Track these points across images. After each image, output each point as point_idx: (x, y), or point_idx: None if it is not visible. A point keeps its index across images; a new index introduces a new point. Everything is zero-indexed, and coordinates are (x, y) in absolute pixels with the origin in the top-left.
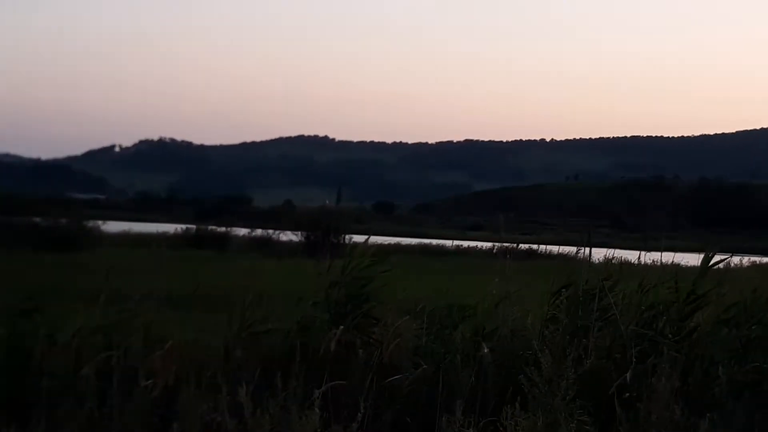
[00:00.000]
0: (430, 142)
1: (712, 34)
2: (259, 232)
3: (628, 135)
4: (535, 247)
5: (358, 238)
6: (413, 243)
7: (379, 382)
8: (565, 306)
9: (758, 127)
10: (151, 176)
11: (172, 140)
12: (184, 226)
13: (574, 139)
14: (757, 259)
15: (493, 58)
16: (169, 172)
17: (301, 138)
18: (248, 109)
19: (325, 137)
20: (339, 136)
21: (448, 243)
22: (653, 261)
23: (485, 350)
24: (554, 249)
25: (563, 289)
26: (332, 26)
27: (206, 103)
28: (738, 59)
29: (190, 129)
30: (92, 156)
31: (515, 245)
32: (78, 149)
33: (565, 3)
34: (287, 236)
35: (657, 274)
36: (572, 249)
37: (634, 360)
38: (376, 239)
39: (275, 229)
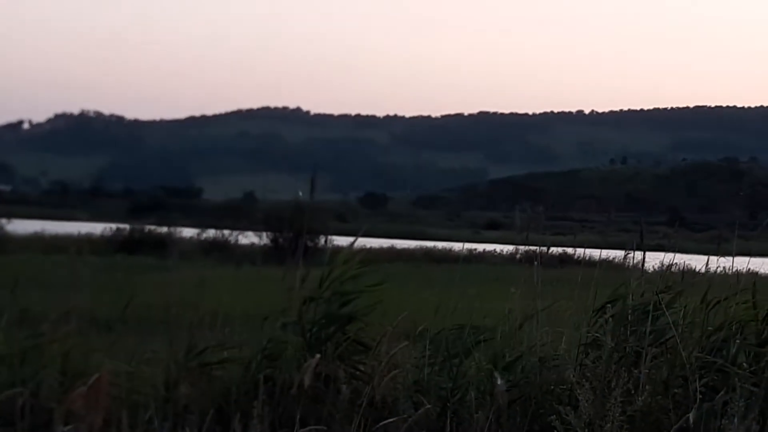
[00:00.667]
0: (433, 115)
1: None
2: (211, 232)
3: (691, 105)
4: (570, 250)
5: (342, 241)
6: (412, 246)
7: (369, 426)
8: (611, 327)
9: None
10: (70, 161)
11: (98, 114)
12: (113, 226)
13: (621, 111)
14: None
15: (515, 9)
16: (94, 156)
17: (265, 111)
18: (197, 75)
19: (297, 110)
20: (315, 108)
21: (458, 246)
22: (724, 269)
23: (498, 382)
24: (595, 253)
25: (608, 305)
26: None
27: (143, 68)
28: None
29: (121, 100)
30: None
31: (545, 248)
32: None
33: None
34: (248, 238)
35: (729, 285)
36: (619, 253)
37: (699, 396)
38: (364, 242)
39: (232, 229)
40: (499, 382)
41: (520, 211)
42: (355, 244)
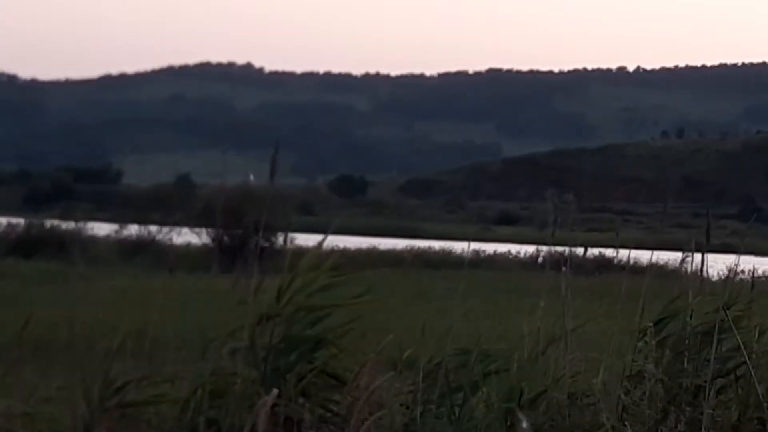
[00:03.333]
0: (428, 74)
1: None
2: (134, 229)
3: None
4: (609, 252)
5: (307, 240)
6: (400, 246)
7: None
8: (662, 353)
9: None
10: None
11: None
12: (3, 221)
13: (675, 68)
14: None
15: None
16: None
17: (206, 68)
18: (114, 21)
19: (248, 67)
20: (271, 64)
21: (461, 247)
22: None
23: (524, 424)
24: (642, 256)
25: (659, 325)
26: None
27: (43, 12)
28: None
29: (14, 55)
30: None
31: (575, 250)
32: None
33: None
34: (183, 236)
35: None
36: (675, 256)
37: None
38: (337, 240)
39: (162, 224)
40: (524, 424)
41: (543, 201)
42: (326, 244)
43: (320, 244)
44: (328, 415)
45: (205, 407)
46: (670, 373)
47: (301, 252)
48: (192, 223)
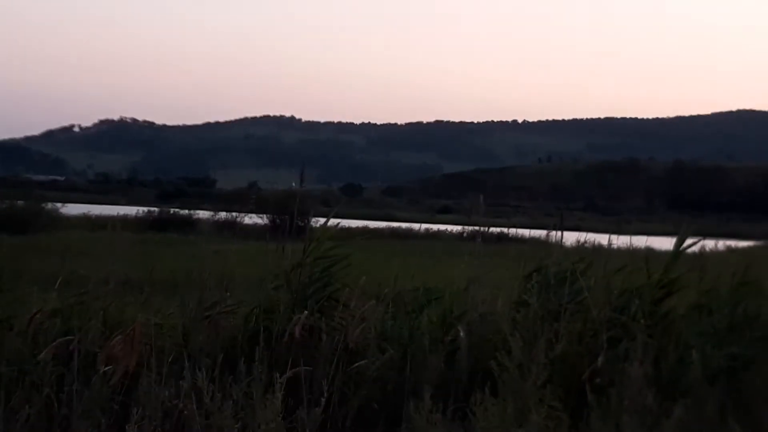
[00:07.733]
0: (399, 122)
1: (687, 16)
2: (222, 214)
3: (602, 116)
4: (506, 230)
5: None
6: (381, 226)
7: (344, 367)
8: (536, 290)
9: (734, 109)
10: (111, 157)
11: (134, 120)
12: (145, 209)
13: (547, 120)
14: (733, 243)
15: (465, 37)
16: (130, 153)
17: (266, 118)
18: (212, 89)
19: (291, 117)
20: (305, 116)
21: (417, 226)
22: (626, 245)
23: (461, 334)
24: (526, 233)
25: (534, 273)
26: (297, 1)
27: (169, 83)
28: (713, 41)
29: (151, 109)
30: (51, 136)
31: (486, 228)
32: (36, 129)
33: None
34: (252, 219)
35: (630, 258)
36: (544, 232)
37: (606, 345)
38: (343, 222)
39: (240, 211)
40: (461, 333)
41: (467, 200)
42: (336, 224)
43: (327, 221)
44: (334, 325)
45: (262, 320)
46: (542, 301)
47: (317, 227)
48: (257, 211)
